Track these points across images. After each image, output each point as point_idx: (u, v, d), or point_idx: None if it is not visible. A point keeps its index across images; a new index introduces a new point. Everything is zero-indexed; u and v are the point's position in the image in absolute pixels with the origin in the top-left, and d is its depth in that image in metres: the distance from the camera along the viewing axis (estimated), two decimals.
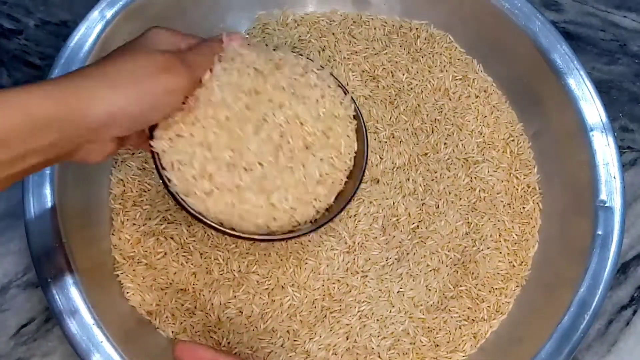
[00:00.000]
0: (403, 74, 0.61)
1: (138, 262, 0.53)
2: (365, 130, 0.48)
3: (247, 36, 0.45)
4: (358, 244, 0.55)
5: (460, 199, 0.57)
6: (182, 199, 0.42)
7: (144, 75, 0.38)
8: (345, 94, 0.48)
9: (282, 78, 0.45)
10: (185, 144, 0.42)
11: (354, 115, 0.48)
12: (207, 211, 0.43)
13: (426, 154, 0.59)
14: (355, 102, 0.48)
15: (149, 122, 0.40)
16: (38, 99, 0.34)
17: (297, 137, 0.44)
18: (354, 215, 0.55)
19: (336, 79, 0.48)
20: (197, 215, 0.42)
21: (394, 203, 0.56)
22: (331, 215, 0.46)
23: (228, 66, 0.43)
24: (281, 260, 0.54)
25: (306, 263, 0.54)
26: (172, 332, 0.52)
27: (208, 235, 0.54)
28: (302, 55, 0.47)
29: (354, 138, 0.48)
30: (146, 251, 0.53)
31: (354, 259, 0.54)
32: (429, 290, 0.54)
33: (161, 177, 0.42)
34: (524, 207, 0.58)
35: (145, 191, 0.55)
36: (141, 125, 0.40)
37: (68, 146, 0.36)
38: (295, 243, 0.54)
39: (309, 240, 0.54)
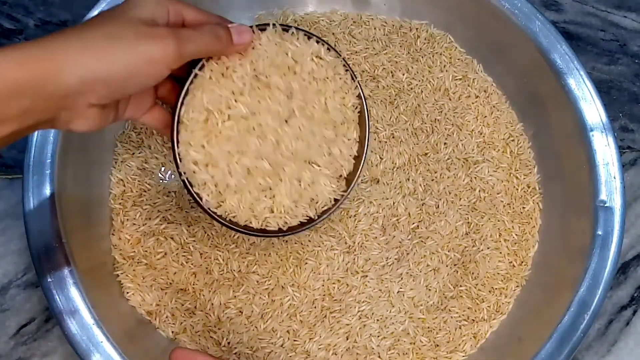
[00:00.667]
0: (403, 74, 0.61)
1: (138, 262, 0.53)
2: (368, 115, 0.49)
3: (255, 28, 0.44)
4: (358, 244, 0.55)
5: (460, 199, 0.57)
6: (214, 212, 0.44)
7: (122, 39, 0.35)
8: (354, 79, 0.48)
9: (302, 89, 0.46)
10: (221, 173, 0.43)
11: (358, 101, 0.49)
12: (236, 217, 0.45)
13: (426, 154, 0.59)
14: (360, 86, 0.48)
15: (128, 91, 0.38)
16: (10, 63, 0.32)
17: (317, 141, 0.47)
18: (354, 215, 0.55)
19: (344, 60, 0.48)
20: (227, 224, 0.45)
21: (394, 203, 0.56)
22: (342, 199, 0.48)
23: (251, 84, 0.43)
24: (281, 260, 0.54)
25: (306, 263, 0.54)
26: (172, 332, 0.52)
27: (208, 235, 0.54)
28: (311, 35, 0.46)
29: (357, 120, 0.49)
30: (146, 251, 0.53)
31: (354, 259, 0.54)
32: (429, 290, 0.54)
33: (190, 193, 0.44)
34: (524, 207, 0.58)
35: (145, 191, 0.55)
36: (120, 94, 0.37)
37: (43, 114, 0.35)
38: (296, 243, 0.54)
39: (309, 240, 0.54)
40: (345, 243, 0.55)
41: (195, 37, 0.39)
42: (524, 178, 0.59)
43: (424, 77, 0.61)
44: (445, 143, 0.59)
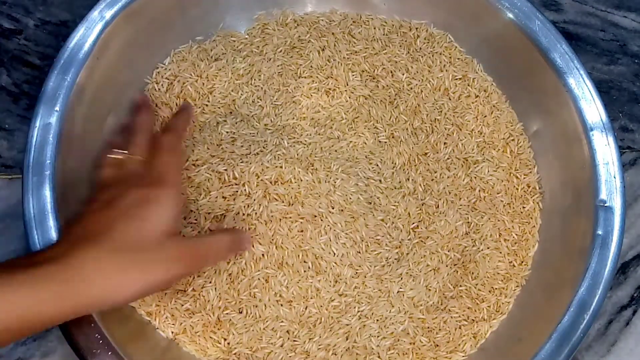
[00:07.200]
0: (403, 74, 0.61)
1: None
2: None
3: None
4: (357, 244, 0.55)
5: (460, 198, 0.57)
6: None
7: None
8: None
9: None
10: None
11: None
12: None
13: (426, 153, 0.58)
14: None
15: None
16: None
17: None
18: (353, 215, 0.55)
19: None
20: None
21: (393, 203, 0.56)
22: None
23: None
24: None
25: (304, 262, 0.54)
26: (172, 332, 0.52)
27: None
28: None
29: None
30: None
31: (354, 259, 0.54)
32: (429, 290, 0.54)
33: None
34: (524, 207, 0.58)
35: None
36: None
37: None
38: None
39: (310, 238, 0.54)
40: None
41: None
42: (524, 178, 0.58)
43: (424, 76, 0.61)
44: (445, 143, 0.59)
